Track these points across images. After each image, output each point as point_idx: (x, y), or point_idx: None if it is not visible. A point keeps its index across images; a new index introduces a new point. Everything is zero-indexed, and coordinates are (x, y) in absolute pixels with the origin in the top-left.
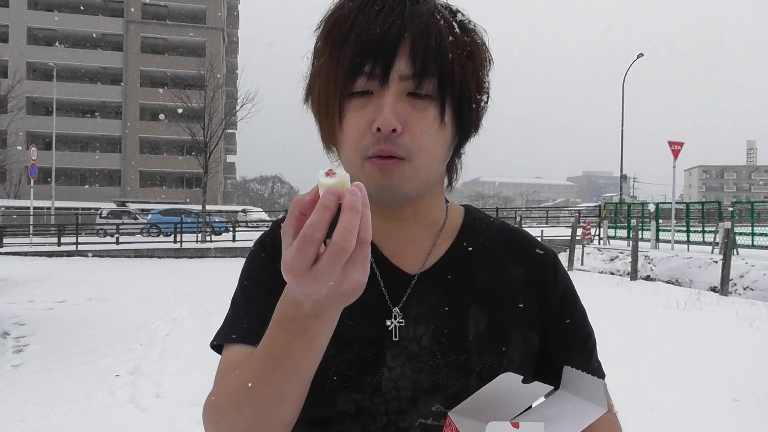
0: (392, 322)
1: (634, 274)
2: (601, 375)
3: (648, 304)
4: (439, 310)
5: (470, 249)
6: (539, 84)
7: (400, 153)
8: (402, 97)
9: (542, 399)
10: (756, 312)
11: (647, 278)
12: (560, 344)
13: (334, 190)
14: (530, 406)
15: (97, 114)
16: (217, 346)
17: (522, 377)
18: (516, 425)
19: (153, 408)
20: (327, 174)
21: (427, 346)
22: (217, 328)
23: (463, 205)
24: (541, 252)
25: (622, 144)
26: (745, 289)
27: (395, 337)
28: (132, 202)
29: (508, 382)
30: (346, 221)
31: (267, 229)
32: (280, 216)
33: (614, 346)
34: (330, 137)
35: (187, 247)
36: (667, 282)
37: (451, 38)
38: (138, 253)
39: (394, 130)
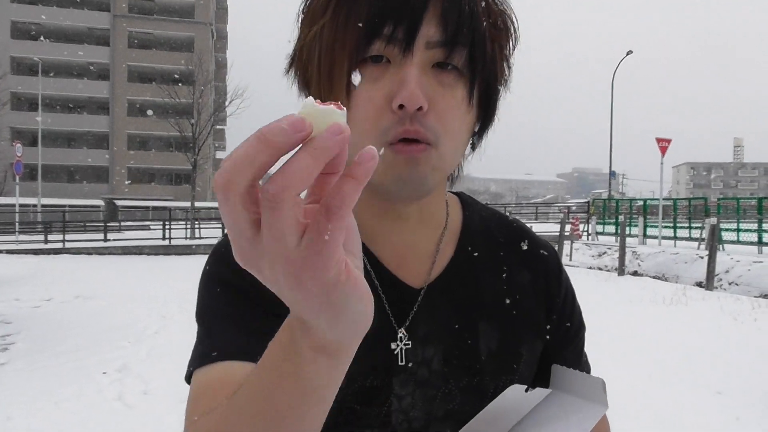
0: (398, 345)
1: (621, 270)
2: (588, 368)
3: (635, 299)
4: (448, 328)
5: (475, 254)
6: (530, 80)
7: (428, 136)
8: (427, 69)
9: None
10: (740, 306)
11: (635, 273)
12: (558, 346)
13: (299, 120)
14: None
15: (83, 110)
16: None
17: (525, 387)
18: None
19: (141, 406)
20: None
21: (437, 369)
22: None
23: (455, 194)
24: (546, 253)
25: (611, 141)
26: (730, 284)
27: (401, 362)
28: (120, 199)
29: (514, 394)
30: (296, 158)
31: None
32: None
33: (600, 341)
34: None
35: (176, 243)
36: (654, 277)
37: (483, 4)
38: (126, 250)
39: (419, 109)
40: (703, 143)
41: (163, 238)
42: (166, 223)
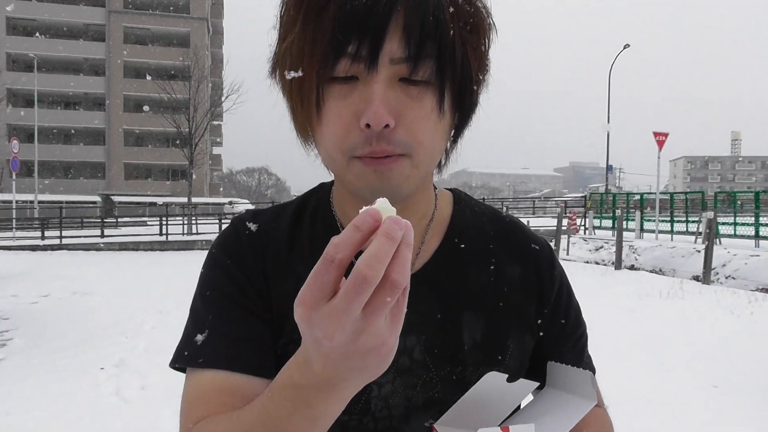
0: None
1: (618, 264)
2: (591, 369)
3: (631, 294)
4: (431, 318)
5: (462, 246)
6: (527, 75)
7: (397, 151)
8: (393, 84)
9: (531, 398)
10: (737, 300)
11: (631, 268)
12: (553, 344)
13: (375, 212)
14: (519, 407)
15: (79, 105)
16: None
17: (507, 376)
18: (506, 429)
19: (138, 401)
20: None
21: (419, 358)
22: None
23: (450, 190)
24: (537, 247)
25: (608, 135)
26: (726, 277)
27: None
28: (117, 195)
29: (493, 382)
30: (375, 247)
31: (228, 224)
32: (243, 210)
33: (597, 335)
34: (305, 128)
35: (173, 239)
36: (651, 271)
37: (451, 9)
38: (123, 246)
39: (386, 126)
40: (700, 137)
41: (160, 234)
42: (163, 218)
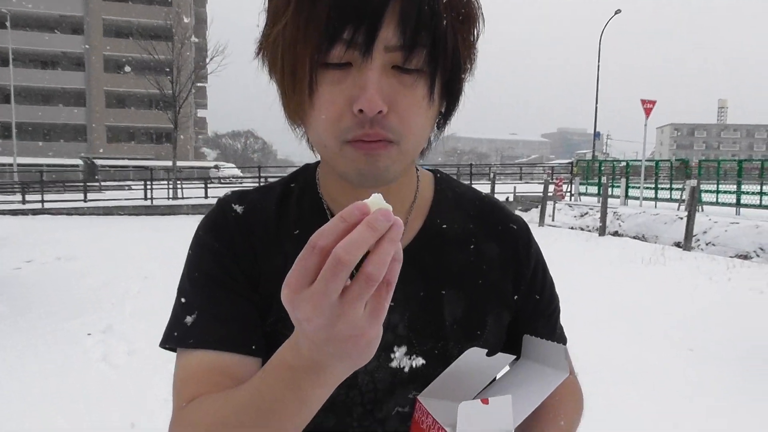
0: None
1: (602, 230)
2: (563, 340)
3: (614, 259)
4: (414, 296)
5: (444, 226)
6: (516, 40)
7: (389, 136)
8: (387, 71)
9: (506, 369)
10: (716, 266)
11: (615, 234)
12: (528, 318)
13: (363, 205)
14: (494, 378)
15: (58, 65)
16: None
17: (486, 350)
18: (486, 401)
19: (126, 366)
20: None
21: (403, 334)
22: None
23: (431, 171)
24: (515, 227)
25: (596, 101)
26: (707, 244)
27: None
28: (100, 159)
29: (474, 357)
30: (355, 233)
31: (214, 206)
32: (229, 192)
33: (579, 300)
34: (296, 112)
35: (158, 203)
36: (634, 237)
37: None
38: (107, 211)
39: (380, 112)
40: (688, 105)
41: (145, 198)
42: (148, 182)
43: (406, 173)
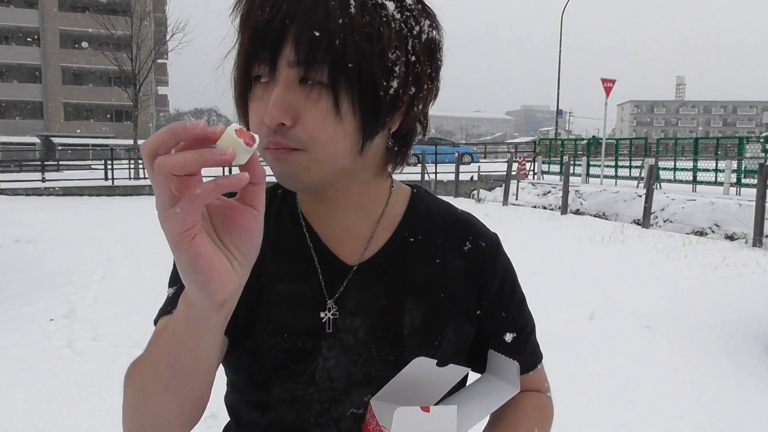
0: (326, 314)
1: (564, 209)
2: (536, 357)
3: (575, 238)
4: (376, 304)
5: (411, 240)
6: (479, 15)
7: (291, 145)
8: (293, 87)
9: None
10: (673, 243)
11: (577, 212)
12: (494, 334)
13: (199, 125)
14: (463, 386)
15: (11, 40)
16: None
17: (435, 361)
18: (426, 409)
19: (90, 352)
20: (240, 134)
21: (362, 338)
22: (154, 274)
23: (411, 186)
24: (483, 244)
25: (558, 79)
26: (665, 221)
27: (329, 329)
28: (57, 137)
29: (422, 366)
30: (186, 152)
31: None
32: None
33: (540, 278)
34: (246, 127)
35: (119, 184)
36: (595, 215)
37: (344, 20)
38: (67, 191)
39: (283, 124)
40: (648, 81)
41: (106, 179)
42: (108, 162)
43: (352, 182)
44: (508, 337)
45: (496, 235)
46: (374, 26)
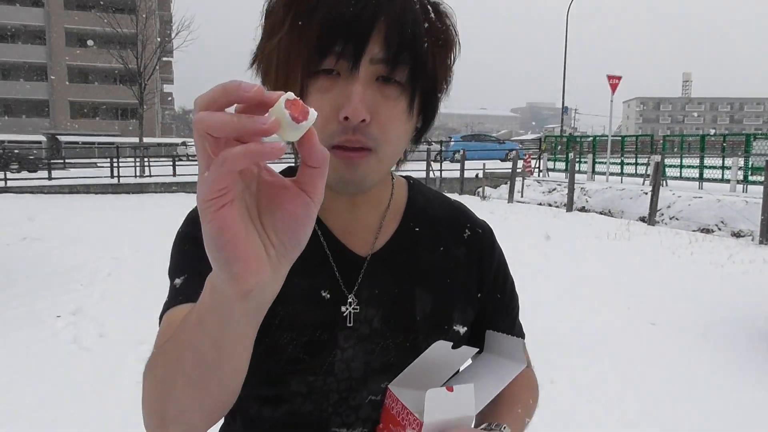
0: (347, 309)
1: (569, 206)
2: (522, 335)
3: (581, 235)
4: (388, 293)
5: (417, 229)
6: (483, 12)
7: (369, 144)
8: (371, 83)
9: (469, 362)
10: (679, 241)
11: (582, 209)
12: (490, 315)
13: (254, 88)
14: (458, 371)
15: (18, 39)
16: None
17: (451, 344)
18: (450, 389)
19: (97, 348)
20: (290, 106)
21: (377, 328)
22: (160, 271)
23: (405, 177)
24: (480, 231)
25: (564, 75)
26: (671, 218)
27: (350, 323)
28: (63, 135)
29: (440, 350)
30: (229, 115)
31: (192, 210)
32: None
33: (546, 275)
34: None
35: (125, 182)
36: (601, 213)
37: (426, 25)
38: (73, 189)
39: (363, 120)
40: (655, 78)
41: (111, 176)
42: (114, 160)
43: (383, 181)
44: (504, 317)
45: (486, 222)
46: (446, 33)
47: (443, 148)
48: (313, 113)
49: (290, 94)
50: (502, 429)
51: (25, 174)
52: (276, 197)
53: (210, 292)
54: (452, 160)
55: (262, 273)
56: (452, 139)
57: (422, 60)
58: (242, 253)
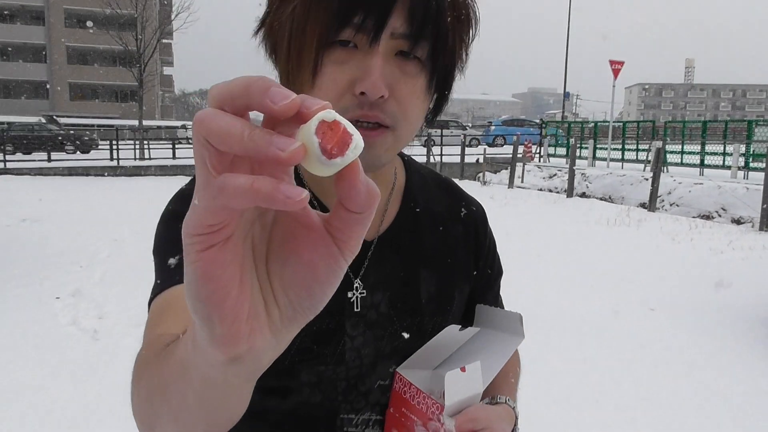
0: (354, 294)
1: (570, 192)
2: (501, 306)
3: (581, 221)
4: (395, 276)
5: (417, 210)
6: None
7: (387, 121)
8: (390, 58)
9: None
10: (678, 227)
11: (583, 195)
12: (481, 290)
13: (288, 98)
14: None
15: (16, 19)
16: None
17: (460, 327)
18: (463, 369)
19: (97, 330)
20: (325, 130)
21: (384, 312)
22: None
23: (401, 156)
24: (474, 208)
25: (566, 61)
26: (671, 205)
27: (357, 309)
28: (63, 117)
29: (451, 333)
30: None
31: (173, 198)
32: (187, 182)
33: (546, 260)
34: (296, 90)
35: (125, 164)
36: (601, 199)
37: (450, 0)
38: (72, 171)
39: (381, 97)
40: (657, 64)
41: (111, 159)
42: (113, 142)
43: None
44: (489, 290)
45: (477, 200)
46: (467, 11)
47: (484, 132)
48: (357, 144)
49: (330, 113)
50: (507, 401)
51: (19, 155)
52: (292, 239)
53: (191, 343)
54: (491, 144)
55: (256, 339)
56: (492, 124)
57: (444, 35)
58: (230, 311)
